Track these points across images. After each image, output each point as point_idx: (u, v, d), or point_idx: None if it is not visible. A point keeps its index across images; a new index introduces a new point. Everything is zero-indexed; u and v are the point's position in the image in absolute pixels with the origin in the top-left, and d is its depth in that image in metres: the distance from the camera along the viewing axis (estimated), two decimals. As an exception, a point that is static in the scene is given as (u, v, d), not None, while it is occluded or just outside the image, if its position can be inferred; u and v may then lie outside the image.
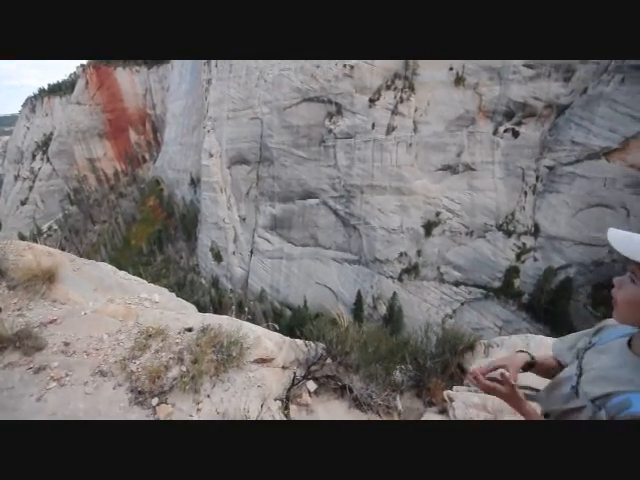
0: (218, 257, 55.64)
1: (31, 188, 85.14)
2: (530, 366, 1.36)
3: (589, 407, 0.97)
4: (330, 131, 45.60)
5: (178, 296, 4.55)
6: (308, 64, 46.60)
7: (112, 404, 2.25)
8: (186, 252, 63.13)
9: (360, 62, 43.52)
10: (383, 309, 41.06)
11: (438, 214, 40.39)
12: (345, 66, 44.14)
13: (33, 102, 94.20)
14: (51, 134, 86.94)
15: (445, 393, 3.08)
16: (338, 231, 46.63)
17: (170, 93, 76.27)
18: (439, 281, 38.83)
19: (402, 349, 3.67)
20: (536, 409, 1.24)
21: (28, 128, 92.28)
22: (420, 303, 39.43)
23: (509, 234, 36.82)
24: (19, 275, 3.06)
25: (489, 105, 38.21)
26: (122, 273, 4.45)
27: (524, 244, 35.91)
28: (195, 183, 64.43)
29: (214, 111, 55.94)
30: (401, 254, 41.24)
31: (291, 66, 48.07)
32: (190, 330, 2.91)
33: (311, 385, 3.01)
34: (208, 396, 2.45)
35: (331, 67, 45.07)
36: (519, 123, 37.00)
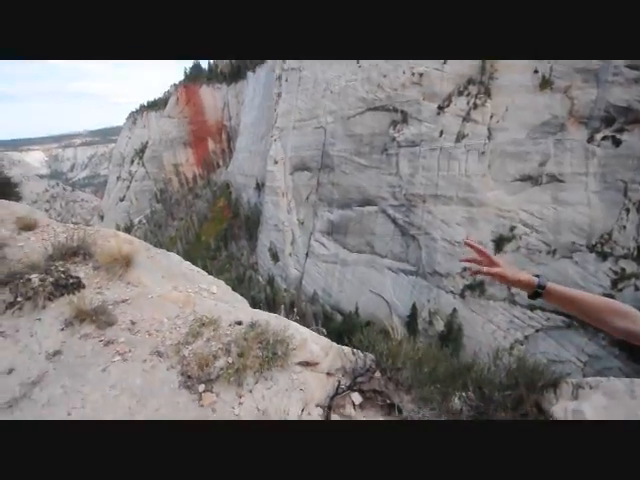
0: (275, 257, 58.35)
1: (128, 187, 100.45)
2: (536, 294, 1.08)
3: None
4: (393, 139, 44.97)
5: (236, 290, 4.74)
6: (375, 74, 46.93)
7: (164, 384, 2.33)
8: (247, 250, 67.67)
9: (430, 69, 42.33)
10: (440, 325, 38.34)
11: (513, 229, 36.53)
12: (414, 74, 43.37)
13: (135, 116, 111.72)
14: (147, 142, 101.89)
15: None
16: (395, 240, 45.29)
17: (244, 106, 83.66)
18: (509, 302, 34.83)
19: (464, 374, 3.25)
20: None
21: (129, 137, 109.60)
22: (484, 324, 35.85)
23: (604, 257, 31.38)
24: (102, 258, 3.38)
25: (583, 110, 33.65)
26: (187, 264, 4.73)
27: (623, 269, 30.26)
28: (260, 187, 69.07)
29: (281, 122, 59.58)
30: (465, 269, 38.20)
31: (357, 77, 48.93)
32: (240, 324, 2.91)
33: (356, 397, 2.84)
34: (250, 391, 2.44)
35: (398, 76, 44.69)
36: (621, 130, 31.81)
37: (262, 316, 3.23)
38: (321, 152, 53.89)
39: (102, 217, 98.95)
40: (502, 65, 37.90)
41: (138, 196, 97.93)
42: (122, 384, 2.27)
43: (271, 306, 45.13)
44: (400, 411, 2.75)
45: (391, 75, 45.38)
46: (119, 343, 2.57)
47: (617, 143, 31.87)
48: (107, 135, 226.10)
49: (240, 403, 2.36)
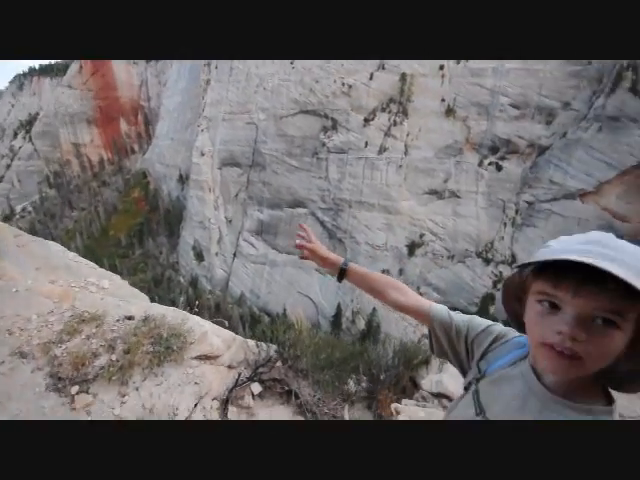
0: (200, 256, 54.63)
1: (9, 166, 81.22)
2: (342, 274, 1.22)
3: None
4: (324, 144, 46.44)
5: (153, 292, 4.32)
6: (307, 78, 47.64)
7: (26, 388, 2.11)
8: (167, 248, 61.60)
9: (358, 82, 44.91)
10: (362, 324, 41.39)
11: (422, 236, 41.57)
12: (343, 85, 45.44)
13: (21, 80, 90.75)
14: (37, 114, 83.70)
15: (393, 406, 2.93)
16: (324, 242, 45.91)
17: (167, 88, 75.50)
18: (418, 301, 39.64)
19: (357, 358, 3.53)
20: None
21: (13, 105, 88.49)
22: (399, 321, 40.05)
23: (487, 262, 38.35)
24: None
25: (476, 138, 40.17)
26: (72, 255, 4.23)
27: (501, 272, 37.47)
28: (183, 180, 63.48)
29: (210, 111, 55.82)
30: (383, 271, 41.90)
31: (291, 78, 48.95)
32: (131, 318, 2.72)
33: (256, 387, 2.86)
34: (137, 389, 2.30)
35: (330, 84, 46.28)
36: (503, 158, 39.06)
37: (158, 310, 3.03)
38: (252, 149, 52.33)
39: (-33, 202, 77.94)
40: (417, 89, 42.48)
41: (22, 178, 79.93)
42: None
43: (193, 309, 42.06)
44: (297, 396, 2.86)
45: (323, 82, 46.66)
46: None
47: (499, 168, 38.98)
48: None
49: (123, 402, 2.22)
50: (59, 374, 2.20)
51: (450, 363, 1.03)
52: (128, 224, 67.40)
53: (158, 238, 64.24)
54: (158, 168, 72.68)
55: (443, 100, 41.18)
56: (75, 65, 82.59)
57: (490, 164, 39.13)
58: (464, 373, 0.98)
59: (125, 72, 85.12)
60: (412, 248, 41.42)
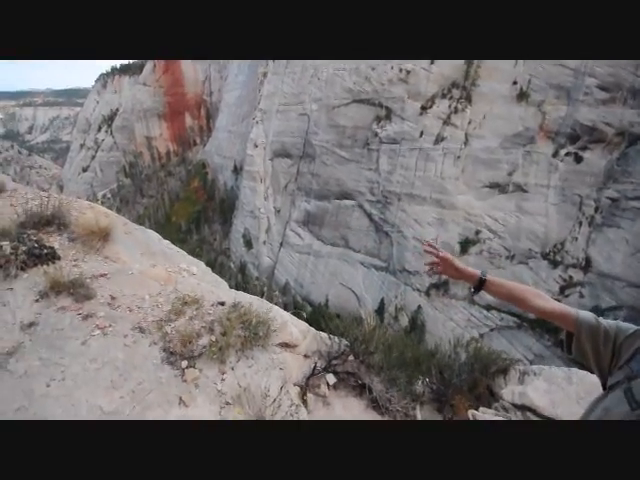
0: (249, 244, 57.41)
1: (93, 157, 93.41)
2: (480, 284, 1.31)
3: None
4: (376, 135, 45.18)
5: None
6: (363, 65, 46.46)
7: (146, 359, 2.36)
8: (220, 235, 65.92)
9: (417, 67, 42.59)
10: (405, 321, 39.98)
11: (478, 233, 38.44)
12: (401, 70, 43.46)
13: (105, 79, 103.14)
14: (117, 110, 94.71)
15: (470, 412, 3.02)
16: (369, 235, 46.10)
17: (227, 82, 79.86)
18: (469, 302, 36.97)
19: (428, 360, 3.63)
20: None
21: (98, 102, 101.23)
22: (445, 321, 37.86)
23: (555, 264, 34.05)
24: (79, 230, 3.33)
25: (552, 125, 35.61)
26: (166, 242, 4.68)
27: (571, 277, 33.06)
28: (238, 171, 67.00)
29: (265, 104, 57.70)
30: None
31: (346, 66, 48.22)
32: (223, 304, 2.99)
33: (330, 378, 3.04)
34: (232, 369, 2.54)
35: (386, 70, 44.62)
36: (584, 148, 34.12)
37: (245, 298, 3.32)
38: (303, 140, 53.06)
39: (61, 187, 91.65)
40: (485, 72, 38.92)
41: (103, 167, 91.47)
42: (103, 358, 2.26)
43: (272, 299, 44.69)
44: (370, 391, 2.99)
45: (379, 69, 45.16)
46: (98, 317, 2.54)
47: (578, 160, 34.18)
48: (72, 97, 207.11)
49: (222, 379, 2.43)
50: (170, 349, 2.45)
51: (585, 364, 1.13)
52: (188, 211, 73.46)
53: (213, 225, 69.03)
54: (216, 159, 77.69)
55: (515, 83, 37.17)
56: (149, 64, 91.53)
57: (567, 154, 34.46)
58: (602, 375, 1.09)
59: (192, 68, 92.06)
60: (466, 245, 38.59)
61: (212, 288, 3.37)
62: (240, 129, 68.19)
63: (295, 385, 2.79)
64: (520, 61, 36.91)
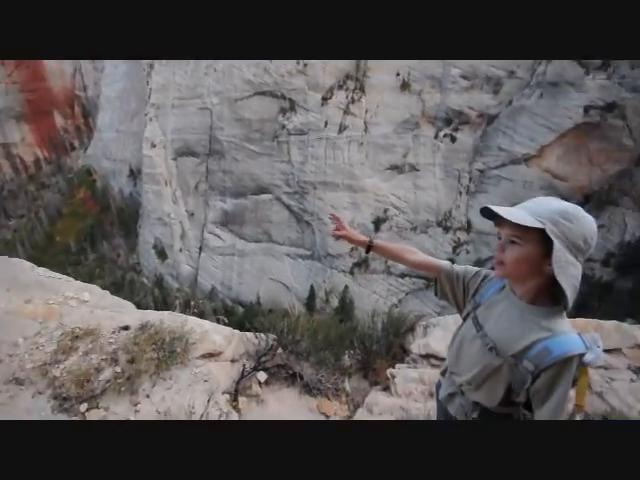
0: (162, 254, 51.81)
1: None
2: (369, 248, 1.53)
3: (509, 362, 1.08)
4: (283, 127, 45.33)
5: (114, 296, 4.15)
6: (260, 57, 45.66)
7: (31, 413, 2.09)
8: (125, 250, 57.56)
9: (313, 60, 43.96)
10: (335, 302, 42.08)
11: (386, 211, 42.64)
12: (299, 63, 44.22)
13: None
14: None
15: (388, 371, 3.26)
16: (291, 227, 46.59)
17: (105, 75, 68.76)
18: (387, 273, 41.03)
19: (350, 334, 3.84)
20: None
21: None
22: (370, 295, 41.23)
23: (447, 230, 40.43)
24: None
25: (431, 111, 41.40)
26: (42, 270, 4.00)
27: (459, 238, 39.72)
28: (135, 175, 59.09)
29: (157, 98, 51.93)
30: (352, 249, 42.59)
31: (243, 57, 46.70)
32: (126, 329, 2.78)
33: (261, 376, 3.03)
34: (147, 396, 2.37)
35: (285, 62, 44.83)
36: (456, 129, 40.75)
37: (154, 316, 3.08)
38: (208, 136, 49.81)
39: None
40: (372, 64, 42.54)
41: (-58, 187, 69.57)
42: None
43: (162, 310, 40.14)
44: (302, 377, 3.05)
45: (277, 61, 44.99)
46: None
47: (453, 140, 40.70)
48: None
49: (136, 411, 2.26)
50: (63, 394, 2.18)
51: (448, 302, 1.39)
52: (76, 228, 61.84)
53: (113, 240, 59.75)
54: (104, 164, 66.88)
55: (398, 74, 41.68)
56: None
57: (445, 136, 40.67)
58: (459, 309, 1.36)
59: (55, 60, 75.99)
60: (378, 223, 42.44)
61: (111, 313, 3.07)
62: (131, 127, 59.97)
63: (224, 393, 2.71)
64: (400, 54, 41.44)
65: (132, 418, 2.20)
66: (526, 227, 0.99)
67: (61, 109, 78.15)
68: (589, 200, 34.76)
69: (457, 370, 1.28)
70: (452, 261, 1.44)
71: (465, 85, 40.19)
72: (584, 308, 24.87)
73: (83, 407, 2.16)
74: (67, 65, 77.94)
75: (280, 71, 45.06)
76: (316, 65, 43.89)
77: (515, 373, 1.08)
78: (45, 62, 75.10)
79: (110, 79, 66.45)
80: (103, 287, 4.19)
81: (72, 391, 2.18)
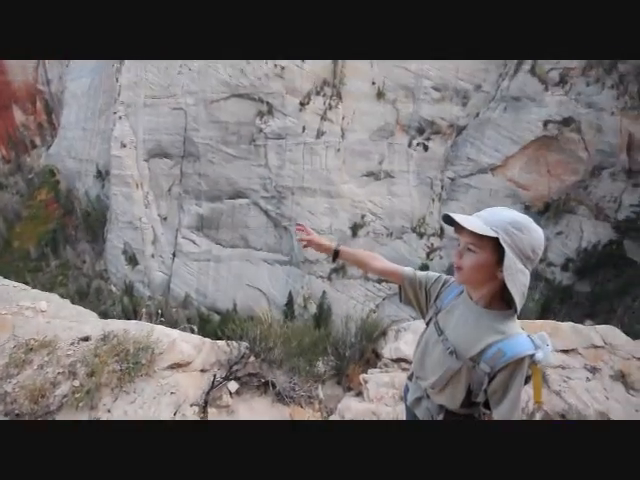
0: (133, 260, 49.55)
1: None
2: (335, 254, 1.56)
3: (468, 364, 1.13)
4: (261, 130, 44.91)
5: (77, 305, 3.91)
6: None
7: None
8: (91, 256, 54.43)
9: (290, 64, 43.90)
10: (313, 308, 42.14)
11: (363, 217, 43.36)
12: (276, 66, 44.03)
13: None
14: None
15: (361, 377, 3.27)
16: (269, 232, 46.17)
17: (70, 69, 64.92)
18: (364, 279, 41.67)
19: (324, 341, 3.82)
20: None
21: None
22: (347, 300, 41.65)
23: (421, 236, 41.81)
24: None
25: (405, 120, 42.69)
26: None
27: (432, 244, 41.17)
28: (103, 176, 56.13)
29: (127, 96, 49.71)
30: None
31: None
32: (87, 339, 2.66)
33: (232, 385, 2.94)
34: (109, 411, 2.26)
35: (261, 65, 44.45)
36: (428, 139, 42.30)
37: (117, 325, 2.97)
38: (183, 137, 48.35)
39: None
40: (349, 71, 43.20)
41: None
42: None
43: (132, 319, 38.32)
44: (274, 386, 2.98)
45: (254, 63, 44.60)
46: None
47: (426, 148, 42.18)
48: None
49: None
50: (16, 411, 2.09)
51: (413, 308, 1.42)
52: (37, 232, 57.77)
53: (78, 245, 56.34)
54: (69, 164, 63.02)
55: (374, 83, 42.58)
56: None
57: (418, 144, 42.08)
58: (423, 315, 1.39)
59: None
60: (355, 229, 43.05)
61: (71, 324, 2.93)
62: (98, 126, 56.97)
63: (192, 405, 2.60)
64: (375, 62, 42.45)
65: None
66: (481, 235, 1.05)
67: (21, 104, 72.81)
68: (549, 208, 37.21)
69: (422, 375, 1.32)
70: (427, 267, 1.54)
71: (436, 97, 41.81)
72: (547, 311, 26.54)
73: None
74: (27, 57, 72.92)
75: (257, 73, 44.63)
76: (293, 69, 43.88)
77: (473, 375, 1.13)
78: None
79: (76, 74, 62.80)
80: (66, 296, 4.01)
81: (25, 407, 2.09)
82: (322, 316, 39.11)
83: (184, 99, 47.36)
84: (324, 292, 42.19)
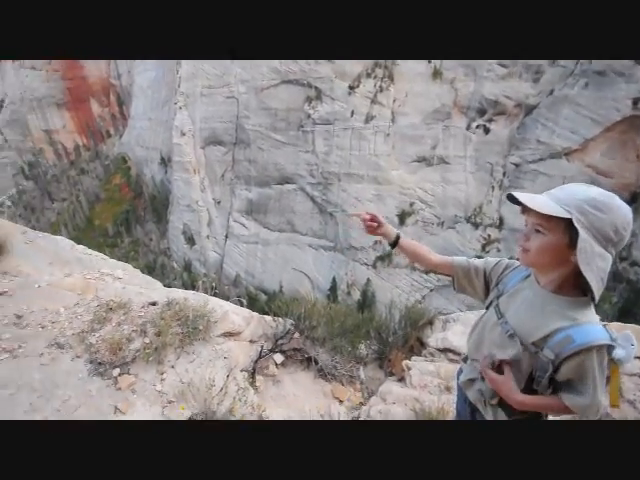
0: (191, 240, 54.01)
1: (-23, 160, 76.70)
2: (395, 243, 1.49)
3: (530, 349, 1.06)
4: (309, 116, 44.85)
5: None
6: (288, 44, 44.85)
7: (70, 375, 2.25)
8: (156, 234, 60.60)
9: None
10: (357, 294, 42.36)
11: (412, 204, 41.66)
12: (326, 49, 43.08)
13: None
14: (2, 101, 77.96)
15: (404, 363, 3.27)
16: (314, 217, 46.78)
17: (137, 63, 70.63)
18: (411, 269, 40.51)
19: (367, 324, 3.87)
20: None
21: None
22: (392, 289, 41.07)
23: (476, 226, 38.97)
24: None
25: (464, 101, 39.28)
26: (81, 247, 4.33)
27: (489, 235, 38.24)
28: (166, 162, 61.24)
29: (186, 86, 52.79)
30: (376, 242, 42.34)
31: (270, 44, 46.00)
32: (154, 304, 2.90)
33: (278, 357, 3.13)
34: (172, 367, 2.50)
35: (312, 49, 43.81)
36: (490, 120, 38.52)
37: (179, 294, 3.22)
38: (235, 125, 50.28)
39: (-62, 200, 74.11)
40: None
41: (-5, 171, 75.91)
42: (16, 382, 2.12)
43: (213, 291, 42.31)
44: (317, 362, 3.18)
45: (304, 47, 44.04)
46: (4, 340, 2.35)
47: (487, 131, 38.56)
48: None
49: (162, 380, 2.40)
50: (98, 360, 2.34)
51: (468, 294, 1.42)
52: (113, 212, 65.57)
53: (146, 225, 62.93)
54: (138, 151, 69.68)
55: (429, 62, 39.68)
56: (34, 43, 75.93)
57: (478, 127, 38.62)
58: (481, 299, 1.37)
59: (90, 48, 78.90)
60: (403, 217, 41.65)
61: (141, 289, 3.26)
62: (161, 116, 61.72)
63: (242, 370, 2.84)
64: (433, 39, 39.16)
65: (159, 386, 2.36)
66: (550, 215, 0.95)
67: (97, 97, 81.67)
68: (636, 199, 32.12)
69: (478, 357, 1.26)
70: (482, 258, 1.46)
71: (502, 73, 37.62)
72: (627, 315, 23.58)
73: (116, 372, 2.33)
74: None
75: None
76: (344, 52, 42.59)
77: (535, 362, 1.06)
78: (82, 51, 78.04)
79: (142, 67, 68.25)
80: (137, 268, 4.49)
81: (106, 357, 2.34)
82: (366, 303, 39.22)
83: (237, 87, 48.88)
84: (368, 279, 42.07)
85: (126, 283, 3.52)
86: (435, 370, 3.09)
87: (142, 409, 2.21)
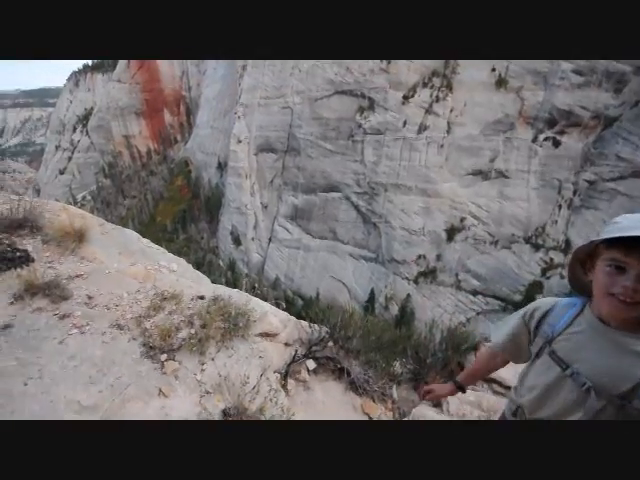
0: (237, 241, 56.90)
1: (70, 159, 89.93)
2: (461, 389, 1.48)
3: (614, 402, 0.93)
4: (360, 126, 45.11)
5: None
6: (344, 56, 45.97)
7: (125, 354, 2.41)
8: (207, 233, 64.98)
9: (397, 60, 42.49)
10: (395, 309, 40.68)
11: (463, 220, 39.22)
12: (382, 61, 43.29)
13: (77, 77, 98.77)
14: (91, 109, 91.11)
15: None
16: (358, 227, 46.39)
17: (206, 77, 77.80)
18: (456, 288, 37.89)
19: (404, 341, 3.74)
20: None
21: (71, 101, 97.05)
22: (434, 308, 38.72)
23: (537, 248, 35.18)
24: (53, 232, 3.32)
25: (531, 111, 36.36)
26: (145, 241, 4.69)
27: (552, 259, 34.25)
28: (222, 167, 65.85)
29: (246, 98, 56.65)
30: (420, 256, 40.53)
31: (327, 57, 47.65)
32: (202, 298, 3.04)
33: (310, 364, 3.14)
34: (212, 359, 2.60)
35: (367, 61, 44.36)
36: (561, 132, 35.03)
37: (224, 291, 3.36)
38: (287, 134, 52.51)
39: (38, 191, 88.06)
40: (464, 60, 39.16)
41: (81, 169, 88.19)
42: (81, 355, 2.30)
43: (255, 291, 44.32)
44: (349, 374, 3.13)
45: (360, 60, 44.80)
46: (75, 317, 2.56)
47: (556, 144, 35.10)
48: (44, 97, 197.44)
49: (202, 370, 2.50)
50: (150, 344, 2.49)
51: (527, 360, 1.22)
52: (173, 211, 71.93)
53: (200, 224, 67.88)
54: (199, 156, 76.07)
55: (494, 70, 37.64)
56: (123, 60, 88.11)
57: (546, 139, 35.36)
58: (530, 353, 1.20)
59: (167, 64, 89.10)
60: (451, 233, 39.35)
61: (191, 283, 3.43)
62: (222, 124, 66.82)
63: (275, 372, 2.89)
64: (498, 48, 37.11)
65: (199, 376, 2.44)
66: None
67: (170, 107, 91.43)
68: None
69: (542, 415, 1.10)
70: (540, 285, 1.31)
71: (578, 81, 34.22)
72: None
73: (163, 357, 2.46)
74: (176, 68, 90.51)
75: (362, 70, 44.79)
76: (400, 62, 42.38)
77: (623, 414, 0.92)
78: (160, 65, 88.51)
79: (210, 81, 75.00)
80: (188, 264, 4.76)
81: (157, 342, 2.47)
82: (404, 319, 37.44)
83: (292, 98, 51.18)
84: (408, 295, 40.22)
85: (179, 276, 3.73)
86: (476, 401, 2.93)
87: (182, 395, 2.31)
